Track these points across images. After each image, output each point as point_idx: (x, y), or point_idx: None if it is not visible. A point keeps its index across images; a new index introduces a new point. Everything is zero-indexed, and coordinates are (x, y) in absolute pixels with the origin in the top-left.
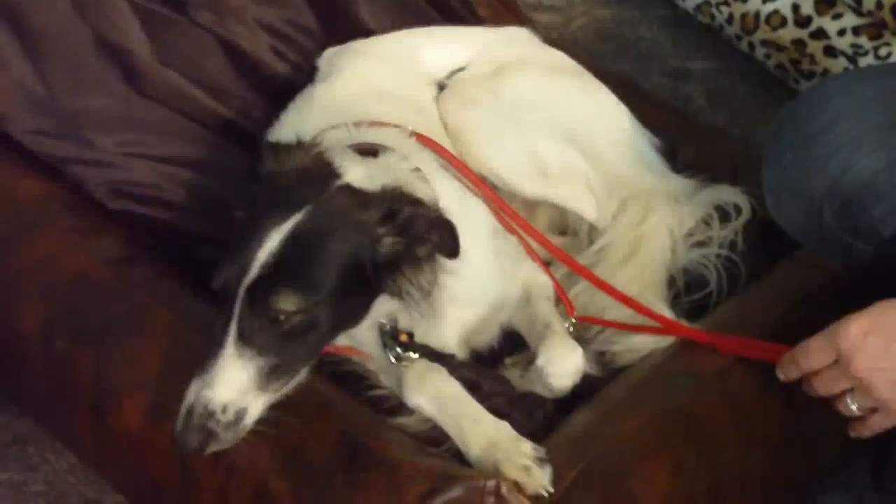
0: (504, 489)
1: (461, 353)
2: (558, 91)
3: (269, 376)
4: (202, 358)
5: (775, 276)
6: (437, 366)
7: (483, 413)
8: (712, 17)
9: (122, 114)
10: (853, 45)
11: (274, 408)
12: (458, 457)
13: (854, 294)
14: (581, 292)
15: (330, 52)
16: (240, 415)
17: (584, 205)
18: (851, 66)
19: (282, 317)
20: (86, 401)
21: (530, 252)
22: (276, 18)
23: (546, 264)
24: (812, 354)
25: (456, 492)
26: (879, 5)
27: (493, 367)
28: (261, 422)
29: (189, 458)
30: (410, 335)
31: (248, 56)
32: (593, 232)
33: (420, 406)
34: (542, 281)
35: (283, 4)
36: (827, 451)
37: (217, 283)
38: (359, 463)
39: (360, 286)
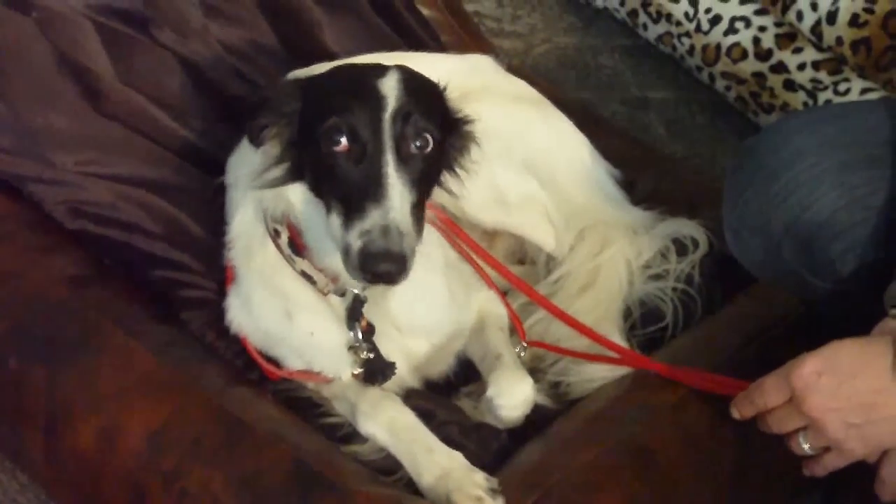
0: None
1: (414, 382)
2: (519, 120)
3: (414, 217)
4: (354, 200)
5: (731, 311)
6: (390, 394)
7: (436, 442)
8: (674, 47)
9: (82, 133)
10: (813, 80)
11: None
12: (411, 486)
13: (810, 330)
14: (538, 322)
15: (293, 76)
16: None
17: (541, 235)
18: (811, 101)
19: (419, 144)
20: (38, 421)
21: (488, 282)
22: (239, 40)
23: (503, 293)
24: (766, 393)
25: None
26: (839, 41)
27: (448, 396)
28: None
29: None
30: (371, 327)
31: (209, 77)
32: (551, 262)
33: (374, 434)
34: (497, 311)
35: (246, 26)
36: (778, 486)
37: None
38: (311, 491)
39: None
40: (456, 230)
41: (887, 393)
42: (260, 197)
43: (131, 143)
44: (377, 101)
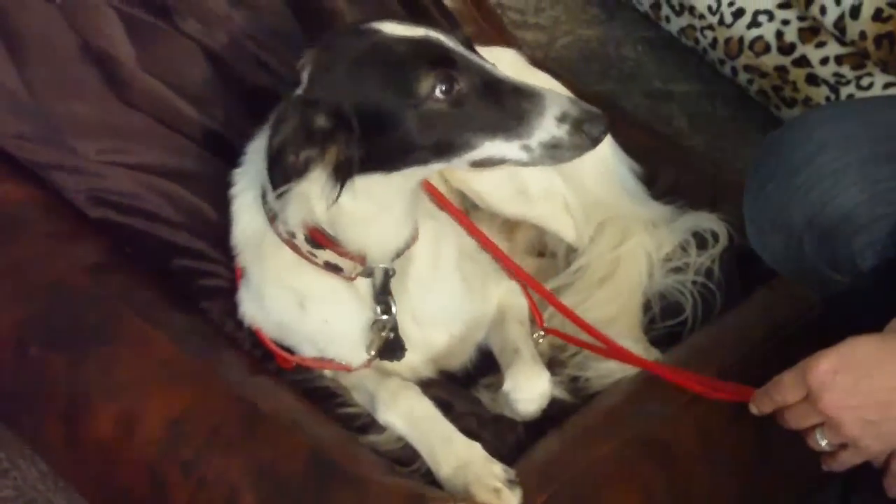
0: None
1: (429, 372)
2: None
3: None
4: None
5: (751, 306)
6: (410, 384)
7: (455, 433)
8: (696, 40)
9: (105, 121)
10: (835, 74)
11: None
12: (429, 476)
13: (830, 325)
14: (556, 313)
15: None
16: None
17: (562, 226)
18: (833, 95)
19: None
20: (58, 408)
21: (508, 269)
22: (260, 28)
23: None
24: (783, 390)
25: None
26: (863, 35)
27: (467, 387)
28: None
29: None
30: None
31: (231, 66)
32: (571, 254)
33: (392, 424)
34: (517, 303)
35: (269, 15)
36: (795, 481)
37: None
38: (329, 481)
39: None
40: (467, 223)
41: None
42: (273, 211)
43: (153, 132)
44: (433, 41)
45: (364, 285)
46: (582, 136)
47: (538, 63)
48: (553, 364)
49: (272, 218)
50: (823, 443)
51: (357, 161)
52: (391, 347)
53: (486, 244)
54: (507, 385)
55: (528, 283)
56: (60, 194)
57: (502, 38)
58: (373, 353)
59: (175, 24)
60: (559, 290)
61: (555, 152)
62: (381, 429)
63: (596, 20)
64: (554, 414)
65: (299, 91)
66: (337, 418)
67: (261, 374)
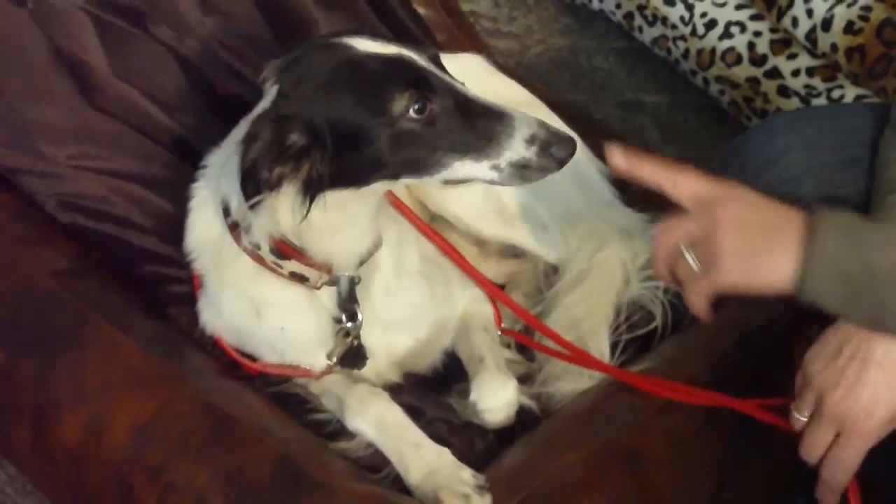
0: None
1: (394, 376)
2: None
3: None
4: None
5: (720, 315)
6: (379, 390)
7: (424, 439)
8: (668, 51)
9: (75, 126)
10: (807, 86)
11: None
12: (399, 483)
13: (796, 333)
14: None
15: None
16: None
17: (542, 246)
18: (804, 107)
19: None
20: (26, 413)
21: (478, 279)
22: (234, 36)
23: (502, 286)
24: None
25: None
26: (834, 48)
27: (440, 392)
28: None
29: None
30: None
31: (204, 73)
32: (548, 267)
33: (361, 430)
34: (482, 310)
35: (242, 22)
36: (763, 489)
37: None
38: (298, 487)
39: None
40: (429, 232)
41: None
42: (235, 222)
43: (124, 138)
44: (406, 60)
45: (326, 293)
46: (549, 159)
47: (509, 71)
48: (523, 379)
49: (233, 229)
50: (691, 261)
51: (328, 176)
52: (353, 356)
53: (448, 252)
54: (473, 395)
55: (490, 291)
56: (30, 199)
57: (475, 46)
58: (334, 359)
59: (148, 30)
60: (534, 305)
61: (523, 172)
62: (350, 435)
63: (568, 29)
64: (526, 420)
65: (267, 105)
66: (307, 424)
67: (229, 380)
